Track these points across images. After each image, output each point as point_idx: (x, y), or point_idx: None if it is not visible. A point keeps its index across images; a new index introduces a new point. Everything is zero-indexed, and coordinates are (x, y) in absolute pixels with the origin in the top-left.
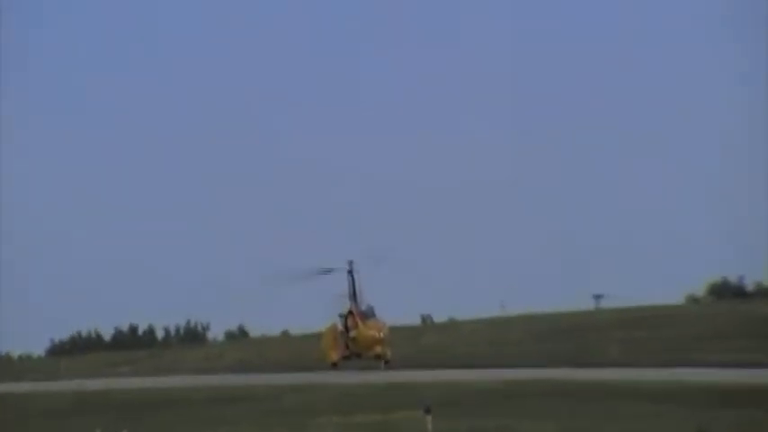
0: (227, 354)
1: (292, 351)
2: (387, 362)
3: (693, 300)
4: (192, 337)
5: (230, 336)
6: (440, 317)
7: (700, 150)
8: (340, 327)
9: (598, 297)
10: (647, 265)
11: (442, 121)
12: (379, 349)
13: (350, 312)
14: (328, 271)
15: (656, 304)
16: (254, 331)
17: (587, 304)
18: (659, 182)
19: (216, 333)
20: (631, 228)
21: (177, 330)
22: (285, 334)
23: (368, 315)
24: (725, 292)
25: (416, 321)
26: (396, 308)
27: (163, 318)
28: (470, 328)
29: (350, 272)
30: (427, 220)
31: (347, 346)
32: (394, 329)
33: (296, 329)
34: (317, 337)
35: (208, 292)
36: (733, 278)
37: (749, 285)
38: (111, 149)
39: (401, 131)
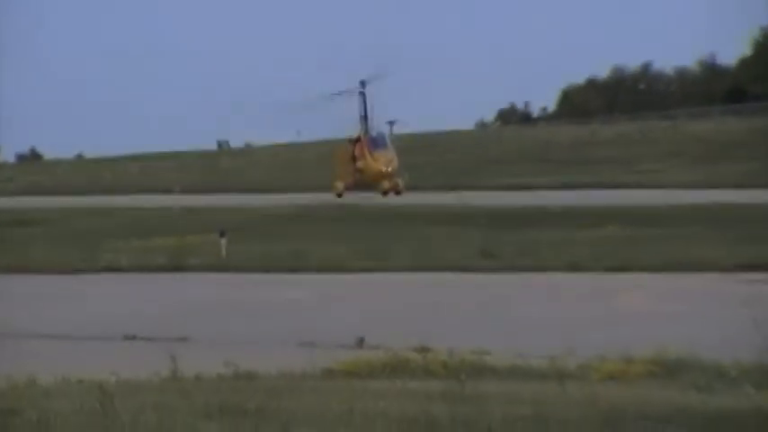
0: (19, 177)
1: (88, 175)
2: (398, 192)
3: (482, 125)
4: None
5: (22, 158)
6: (236, 142)
7: None
8: (349, 153)
9: (391, 123)
10: (440, 91)
11: None
12: (386, 184)
13: (358, 139)
14: (340, 93)
15: (445, 129)
16: (48, 154)
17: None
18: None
19: (6, 155)
20: (425, 55)
21: None
22: (80, 157)
23: (377, 144)
24: (511, 117)
25: (212, 146)
26: (192, 133)
27: None
28: (266, 153)
29: (361, 93)
30: None
31: (355, 176)
32: (192, 154)
33: (91, 153)
34: (112, 161)
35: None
36: (520, 104)
37: (534, 111)
38: None
39: None
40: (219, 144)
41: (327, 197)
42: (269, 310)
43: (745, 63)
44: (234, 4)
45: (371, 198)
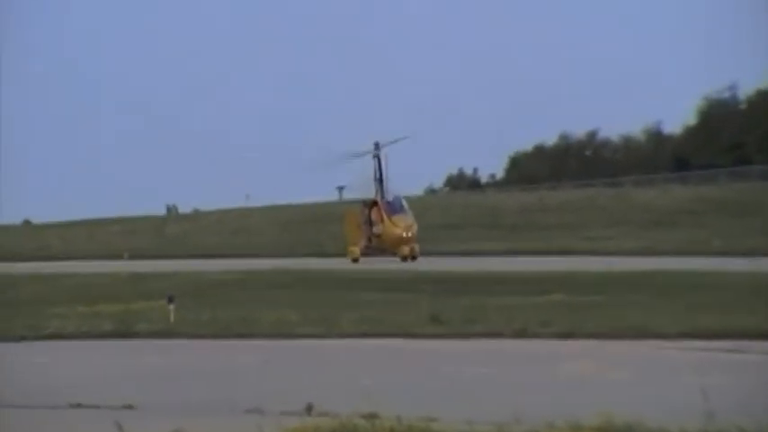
0: None
1: (34, 240)
2: (414, 258)
3: (431, 191)
4: None
5: None
6: (184, 207)
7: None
8: (364, 217)
9: (341, 188)
10: (390, 157)
11: None
12: (406, 250)
13: (374, 203)
14: (358, 155)
15: (395, 195)
16: None
17: (330, 195)
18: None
19: None
20: (373, 123)
21: None
22: (27, 223)
23: (395, 208)
24: (460, 183)
25: (161, 211)
26: (141, 198)
27: None
28: (214, 219)
29: (376, 156)
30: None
31: (370, 240)
32: (140, 219)
33: (38, 219)
34: (60, 226)
35: None
36: (468, 170)
37: (483, 177)
38: None
39: None
40: (168, 209)
41: (276, 262)
42: (217, 376)
43: (689, 132)
44: (188, 64)
45: (315, 264)
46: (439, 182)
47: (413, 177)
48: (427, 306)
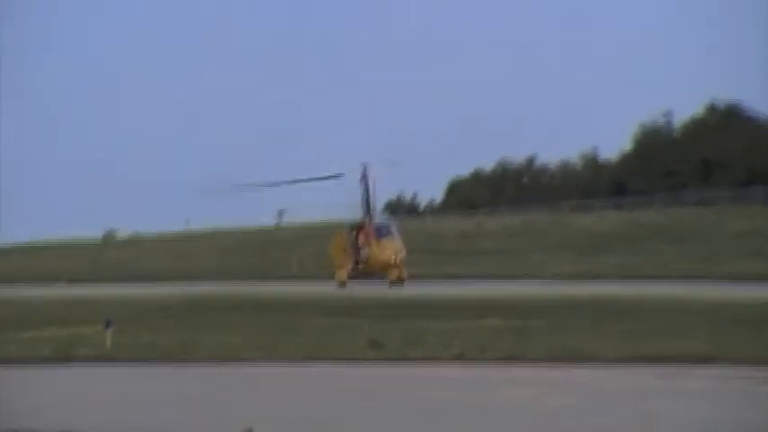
0: None
1: None
2: (402, 282)
3: None
4: None
5: None
6: (124, 232)
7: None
8: (350, 240)
9: (281, 212)
10: (328, 182)
11: None
12: (395, 274)
13: (361, 226)
14: (337, 176)
15: (336, 220)
16: None
17: (271, 220)
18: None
19: None
20: (305, 150)
21: None
22: None
23: (383, 231)
24: (399, 209)
25: (99, 236)
26: (80, 222)
27: None
28: (154, 243)
29: (363, 178)
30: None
31: (357, 264)
32: (79, 243)
33: None
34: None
35: None
36: (407, 196)
37: (422, 203)
38: None
39: None
40: (106, 233)
41: (217, 287)
42: (156, 401)
43: (625, 158)
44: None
45: (256, 288)
46: (378, 207)
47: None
48: (367, 331)
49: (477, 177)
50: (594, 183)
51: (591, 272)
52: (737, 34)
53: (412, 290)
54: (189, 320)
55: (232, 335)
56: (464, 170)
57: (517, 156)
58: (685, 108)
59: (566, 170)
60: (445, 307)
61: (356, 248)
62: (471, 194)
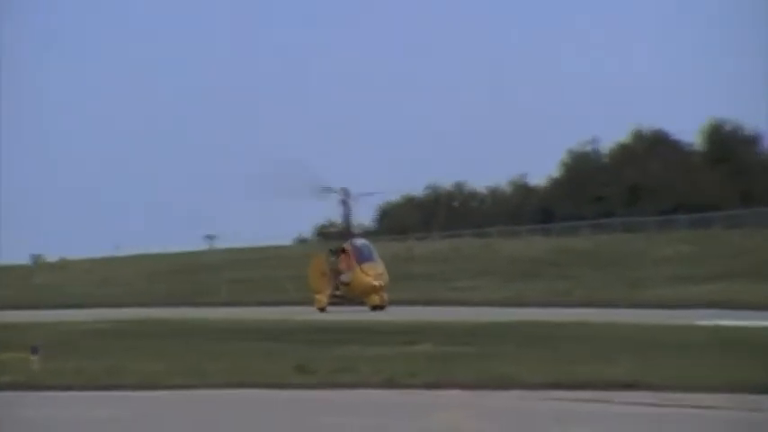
0: None
1: None
2: (383, 307)
3: (301, 241)
4: None
5: None
6: (51, 256)
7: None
8: (330, 264)
9: (211, 237)
10: (259, 206)
11: None
12: (376, 299)
13: (343, 250)
14: (328, 191)
15: (265, 245)
16: None
17: (200, 244)
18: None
19: None
20: (246, 171)
21: None
22: None
23: (365, 255)
24: (330, 233)
25: (26, 260)
26: (5, 247)
27: None
28: (83, 268)
29: (344, 201)
30: None
31: (338, 288)
32: (5, 268)
33: None
34: None
35: None
36: (338, 219)
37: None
38: None
39: None
40: (33, 258)
41: (146, 312)
42: (81, 428)
43: (554, 184)
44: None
45: (184, 313)
46: (308, 231)
47: (282, 228)
48: (295, 356)
49: (407, 202)
50: (523, 208)
51: (518, 297)
52: (665, 62)
53: (343, 315)
54: (117, 345)
55: (158, 361)
56: (395, 195)
57: (447, 181)
58: (612, 134)
59: (495, 195)
60: (375, 332)
61: (336, 272)
62: (402, 219)
